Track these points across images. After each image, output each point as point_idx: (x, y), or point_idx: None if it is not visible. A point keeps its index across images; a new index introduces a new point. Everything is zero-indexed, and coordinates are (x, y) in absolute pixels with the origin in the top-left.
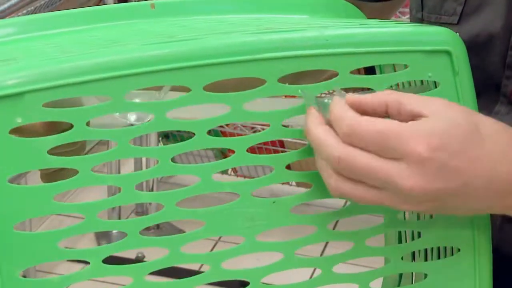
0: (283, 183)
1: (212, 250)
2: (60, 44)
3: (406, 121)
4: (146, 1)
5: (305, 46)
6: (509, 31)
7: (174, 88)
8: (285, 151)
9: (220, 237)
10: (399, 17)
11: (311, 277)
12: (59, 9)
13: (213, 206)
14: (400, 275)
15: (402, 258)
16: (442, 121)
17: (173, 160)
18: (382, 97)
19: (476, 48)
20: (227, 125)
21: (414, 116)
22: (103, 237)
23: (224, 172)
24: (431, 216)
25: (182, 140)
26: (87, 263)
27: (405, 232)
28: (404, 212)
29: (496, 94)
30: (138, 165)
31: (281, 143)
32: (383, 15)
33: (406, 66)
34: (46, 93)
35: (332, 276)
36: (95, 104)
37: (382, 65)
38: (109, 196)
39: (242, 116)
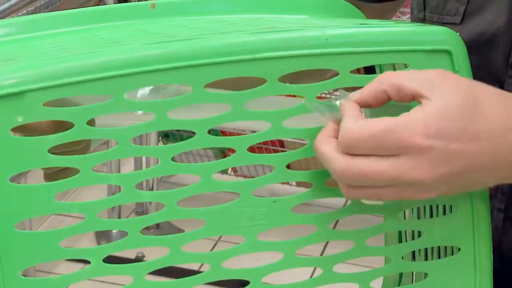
0: (283, 183)
1: (212, 250)
2: (61, 44)
3: (408, 101)
4: (146, 1)
5: (305, 46)
6: None
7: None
8: (285, 151)
9: (220, 237)
10: (399, 17)
11: (311, 276)
12: (59, 9)
13: (213, 205)
14: (400, 275)
15: (402, 258)
16: (438, 103)
17: (173, 159)
18: (380, 86)
19: (479, 48)
20: None
21: (414, 97)
22: (103, 236)
23: (224, 172)
24: (431, 216)
25: (182, 139)
26: (86, 263)
27: (405, 231)
28: (404, 212)
29: None
30: (138, 165)
31: (281, 143)
32: (383, 16)
33: (406, 66)
34: (46, 92)
35: (332, 276)
36: (96, 103)
37: (382, 64)
38: (109, 196)
39: (243, 115)
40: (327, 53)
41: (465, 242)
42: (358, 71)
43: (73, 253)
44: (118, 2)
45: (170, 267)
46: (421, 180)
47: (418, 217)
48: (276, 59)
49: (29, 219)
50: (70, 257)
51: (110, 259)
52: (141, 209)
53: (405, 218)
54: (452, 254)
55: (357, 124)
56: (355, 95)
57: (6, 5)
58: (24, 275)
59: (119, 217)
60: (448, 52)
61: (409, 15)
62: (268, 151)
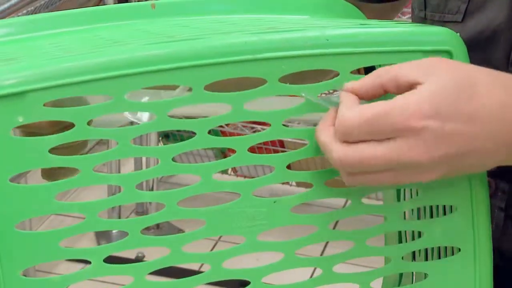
0: (283, 183)
1: (212, 250)
2: (61, 44)
3: (407, 91)
4: (146, 1)
5: (306, 46)
6: None
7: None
8: (285, 151)
9: (220, 237)
10: (399, 17)
11: (311, 277)
12: (59, 9)
13: (213, 205)
14: (400, 275)
15: (402, 258)
16: (432, 86)
17: (173, 159)
18: (376, 80)
19: (480, 45)
20: (227, 124)
21: (412, 85)
22: (103, 236)
23: (224, 172)
24: (431, 216)
25: (182, 139)
26: (86, 263)
27: (405, 232)
28: (405, 212)
29: None
30: (138, 165)
31: (281, 143)
32: (384, 17)
33: None
34: (47, 92)
35: (332, 276)
36: (96, 104)
37: (382, 65)
38: (109, 196)
39: (243, 115)
40: (328, 53)
41: (465, 242)
42: (358, 71)
43: (74, 253)
44: (118, 2)
45: (170, 267)
46: (419, 161)
47: (418, 218)
48: (277, 59)
49: (29, 219)
50: (70, 257)
51: (110, 259)
52: (141, 209)
53: (405, 218)
54: (452, 254)
55: (352, 111)
56: (351, 84)
57: (6, 5)
58: (24, 275)
59: (119, 217)
60: (448, 53)
61: (409, 15)
62: (268, 151)
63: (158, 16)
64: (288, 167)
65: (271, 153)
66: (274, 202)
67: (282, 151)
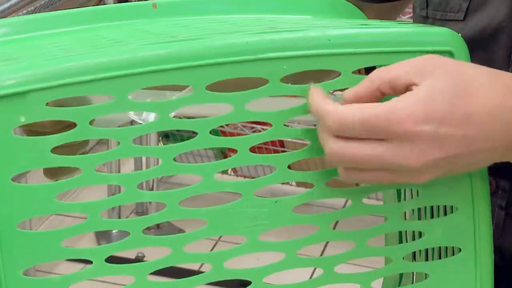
0: (283, 183)
1: (212, 249)
2: (63, 44)
3: (403, 92)
4: (147, 1)
5: (308, 46)
6: None
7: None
8: (285, 151)
9: (220, 237)
10: (400, 17)
11: (310, 277)
12: (59, 9)
13: (213, 205)
14: (401, 275)
15: (403, 258)
16: (426, 89)
17: (174, 159)
18: (372, 85)
19: (482, 44)
20: (227, 124)
21: (407, 87)
22: (103, 236)
23: (224, 171)
24: (431, 216)
25: (182, 139)
26: (87, 262)
27: (406, 232)
28: (405, 212)
29: None
30: (138, 164)
31: (281, 143)
32: (385, 17)
33: None
34: (49, 92)
35: (333, 276)
36: (98, 103)
37: (383, 65)
38: (109, 196)
39: (245, 115)
40: (329, 53)
41: (466, 242)
42: (359, 71)
43: (75, 253)
44: (118, 2)
45: (170, 267)
46: (413, 166)
47: (419, 218)
48: (279, 60)
49: (29, 218)
50: (71, 257)
51: (111, 259)
52: (141, 209)
53: (405, 218)
54: (453, 254)
55: (347, 108)
56: (349, 93)
57: (6, 5)
58: (24, 275)
59: (119, 217)
60: (449, 53)
61: (409, 15)
62: (268, 151)
63: (158, 15)
64: (288, 167)
65: (271, 153)
66: (275, 202)
67: (282, 151)
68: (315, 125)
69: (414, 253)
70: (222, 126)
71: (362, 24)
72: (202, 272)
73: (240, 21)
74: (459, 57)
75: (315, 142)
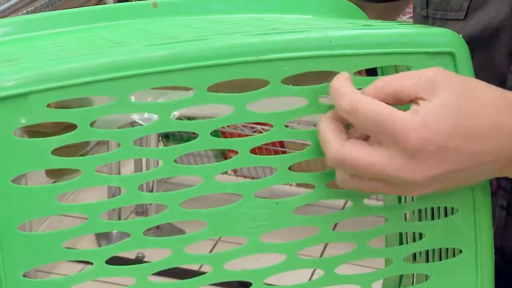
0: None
1: (212, 250)
2: (63, 44)
3: (407, 104)
4: (147, 0)
5: (309, 47)
6: None
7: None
8: (285, 151)
9: (219, 238)
10: (400, 16)
11: (310, 278)
12: (59, 9)
13: (214, 206)
14: (401, 276)
15: (403, 260)
16: (433, 104)
17: (174, 160)
18: (379, 97)
19: (482, 43)
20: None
21: (412, 100)
22: (103, 237)
23: (224, 172)
24: (432, 217)
25: (182, 140)
26: (87, 263)
27: (406, 233)
28: (405, 213)
29: None
30: (138, 166)
31: (281, 143)
32: (386, 17)
33: (408, 68)
34: (50, 93)
35: (334, 277)
36: (99, 105)
37: (384, 66)
38: (109, 197)
39: (246, 116)
40: (331, 55)
41: (467, 244)
42: (359, 72)
43: (76, 254)
44: (118, 2)
45: (169, 268)
46: (413, 180)
47: (420, 219)
48: (280, 61)
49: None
50: (72, 258)
51: (111, 260)
52: (141, 210)
53: (406, 219)
54: (454, 256)
55: (366, 97)
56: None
57: (6, 5)
58: (24, 276)
59: (119, 218)
60: (451, 54)
61: (409, 15)
62: (268, 151)
63: (158, 15)
64: (289, 168)
65: (271, 153)
66: (276, 203)
67: (282, 151)
68: (315, 125)
69: (414, 254)
70: (222, 127)
71: (363, 25)
72: (202, 272)
73: (241, 21)
74: (460, 58)
75: (317, 143)
